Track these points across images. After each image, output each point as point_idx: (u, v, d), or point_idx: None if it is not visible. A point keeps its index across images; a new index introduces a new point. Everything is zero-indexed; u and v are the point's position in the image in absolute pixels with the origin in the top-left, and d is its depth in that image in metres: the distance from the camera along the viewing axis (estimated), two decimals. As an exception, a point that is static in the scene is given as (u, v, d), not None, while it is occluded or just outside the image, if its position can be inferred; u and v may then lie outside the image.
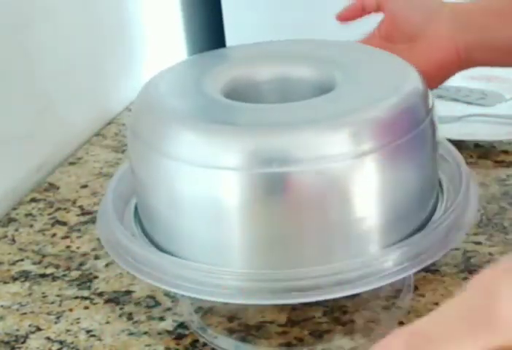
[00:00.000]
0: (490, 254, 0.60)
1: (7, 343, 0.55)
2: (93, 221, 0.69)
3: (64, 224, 0.71)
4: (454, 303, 0.32)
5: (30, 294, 0.61)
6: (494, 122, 0.82)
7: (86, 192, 0.76)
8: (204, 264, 0.46)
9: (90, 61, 0.92)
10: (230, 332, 0.54)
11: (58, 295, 0.60)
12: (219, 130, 0.46)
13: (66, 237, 0.69)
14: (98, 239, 0.62)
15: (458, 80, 0.88)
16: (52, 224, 0.71)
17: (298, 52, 0.57)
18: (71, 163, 0.84)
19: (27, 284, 0.62)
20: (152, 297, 0.59)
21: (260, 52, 0.58)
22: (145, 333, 0.55)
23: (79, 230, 0.69)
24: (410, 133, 0.47)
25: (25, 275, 0.63)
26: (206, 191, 0.46)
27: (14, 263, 0.65)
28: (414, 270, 0.46)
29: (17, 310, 0.59)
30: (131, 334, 0.55)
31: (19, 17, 0.78)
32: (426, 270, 0.56)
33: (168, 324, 0.56)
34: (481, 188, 0.68)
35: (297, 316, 0.55)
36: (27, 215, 0.73)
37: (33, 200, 0.76)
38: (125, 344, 0.54)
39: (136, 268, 0.48)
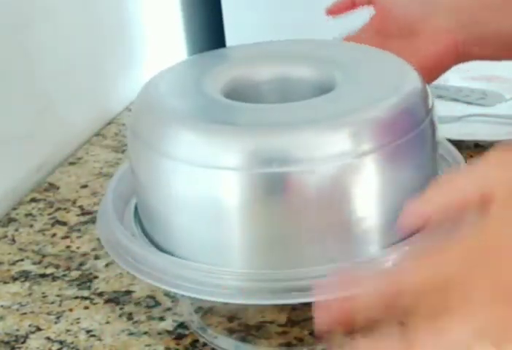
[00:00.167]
0: (490, 254, 0.60)
1: (7, 343, 0.55)
2: (93, 221, 0.69)
3: (64, 224, 0.71)
4: None
5: (30, 294, 0.61)
6: (494, 122, 0.82)
7: (86, 192, 0.76)
8: (204, 264, 0.46)
9: (90, 61, 0.92)
10: (230, 332, 0.55)
11: (58, 295, 0.60)
12: (219, 130, 0.46)
13: (66, 237, 0.69)
14: (98, 239, 0.62)
15: (458, 80, 0.88)
16: (52, 224, 0.71)
17: (298, 52, 0.57)
18: (71, 163, 0.84)
19: (27, 284, 0.62)
20: (152, 297, 0.59)
21: (260, 52, 0.58)
22: (145, 333, 0.55)
23: (79, 230, 0.69)
24: (410, 133, 0.47)
25: (25, 275, 0.63)
26: (205, 191, 0.46)
27: (14, 263, 0.65)
28: (414, 270, 0.46)
29: (17, 310, 0.59)
30: (131, 334, 0.55)
31: (19, 17, 0.78)
32: (426, 270, 0.56)
33: (168, 324, 0.56)
34: (481, 188, 0.68)
35: (297, 316, 0.55)
36: (27, 215, 0.73)
37: (33, 200, 0.76)
38: (125, 344, 0.54)
39: (136, 268, 0.48)
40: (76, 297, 0.60)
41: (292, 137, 0.45)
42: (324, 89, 0.50)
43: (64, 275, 0.63)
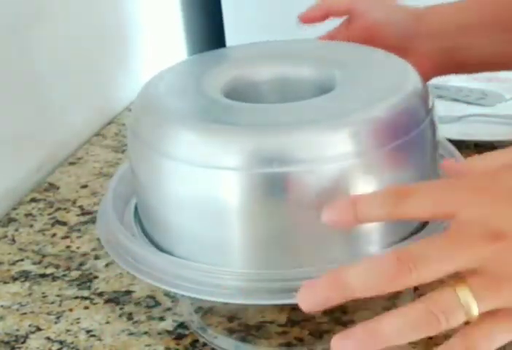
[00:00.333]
0: (490, 254, 0.60)
1: (7, 343, 0.55)
2: (93, 221, 0.69)
3: (64, 224, 0.71)
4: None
5: (30, 294, 0.61)
6: (494, 122, 0.82)
7: (86, 192, 0.76)
8: (204, 264, 0.46)
9: (89, 61, 0.92)
10: (230, 332, 0.55)
11: (58, 295, 0.60)
12: (219, 130, 0.46)
13: (66, 237, 0.69)
14: (98, 239, 0.62)
15: (458, 80, 0.88)
16: (52, 224, 0.71)
17: (298, 52, 0.57)
18: (71, 163, 0.84)
19: (27, 284, 0.62)
20: (152, 297, 0.59)
21: (260, 52, 0.58)
22: (145, 333, 0.55)
23: (79, 230, 0.69)
24: (410, 133, 0.47)
25: (25, 275, 0.63)
26: (205, 191, 0.46)
27: (14, 263, 0.65)
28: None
29: (17, 310, 0.59)
30: (131, 334, 0.55)
31: (19, 17, 0.78)
32: (426, 270, 0.56)
33: (168, 324, 0.56)
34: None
35: (297, 316, 0.55)
36: (27, 215, 0.73)
37: (33, 200, 0.76)
38: (125, 344, 0.54)
39: (136, 268, 0.48)
40: (76, 297, 0.60)
41: (292, 137, 0.45)
42: (324, 89, 0.50)
43: (64, 275, 0.63)
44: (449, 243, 0.38)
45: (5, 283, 0.63)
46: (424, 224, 0.50)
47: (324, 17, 0.69)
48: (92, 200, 0.75)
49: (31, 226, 0.71)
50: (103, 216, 0.53)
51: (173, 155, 0.46)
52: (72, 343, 0.55)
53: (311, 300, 0.38)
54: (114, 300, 0.59)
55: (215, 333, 0.54)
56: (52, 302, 0.59)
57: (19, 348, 0.55)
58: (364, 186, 0.46)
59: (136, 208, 0.54)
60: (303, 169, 0.44)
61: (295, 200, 0.45)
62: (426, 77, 0.57)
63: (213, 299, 0.46)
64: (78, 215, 0.72)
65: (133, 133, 0.50)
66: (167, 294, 0.59)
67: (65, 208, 0.74)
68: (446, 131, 0.70)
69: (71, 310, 0.58)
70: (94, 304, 0.59)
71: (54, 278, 0.63)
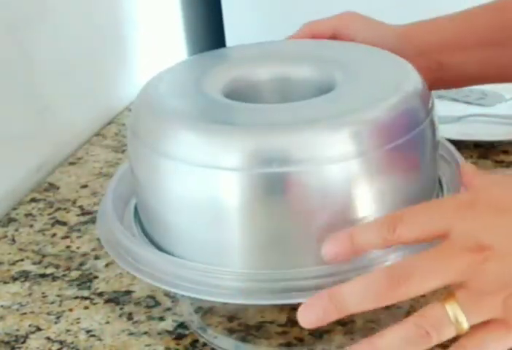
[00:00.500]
0: (490, 254, 0.60)
1: (7, 343, 0.55)
2: (93, 221, 0.69)
3: (64, 224, 0.71)
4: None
5: (30, 294, 0.61)
6: (494, 122, 0.82)
7: (86, 192, 0.77)
8: (204, 264, 0.46)
9: (89, 61, 0.92)
10: (230, 332, 0.55)
11: (58, 295, 0.60)
12: (219, 130, 0.46)
13: (66, 237, 0.69)
14: (98, 239, 0.62)
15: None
16: (52, 224, 0.71)
17: (298, 52, 0.57)
18: (71, 163, 0.84)
19: (27, 284, 0.62)
20: (152, 297, 0.59)
21: (260, 52, 0.58)
22: (145, 333, 0.55)
23: (79, 230, 0.69)
24: (410, 133, 0.47)
25: (25, 275, 0.63)
26: (205, 191, 0.46)
27: (14, 263, 0.65)
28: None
29: (17, 310, 0.59)
30: (131, 334, 0.55)
31: (19, 17, 0.78)
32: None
33: (168, 324, 0.56)
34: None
35: (297, 316, 0.55)
36: (27, 215, 0.73)
37: (33, 200, 0.76)
38: (125, 344, 0.54)
39: (136, 268, 0.48)
40: (76, 297, 0.60)
41: (292, 137, 0.45)
42: (324, 89, 0.50)
43: (64, 275, 0.63)
44: (438, 257, 0.39)
45: (5, 283, 0.63)
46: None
47: None
48: (92, 200, 0.75)
49: (31, 226, 0.71)
50: (103, 216, 0.53)
51: (173, 155, 0.46)
52: (72, 343, 0.55)
53: (310, 316, 0.40)
54: (114, 300, 0.59)
55: (215, 333, 0.54)
56: (52, 302, 0.60)
57: (19, 348, 0.55)
58: (364, 186, 0.46)
59: (135, 209, 0.54)
60: (302, 169, 0.44)
61: (294, 200, 0.45)
62: None
63: (213, 299, 0.46)
64: (78, 215, 0.72)
65: (133, 133, 0.50)
66: (167, 294, 0.59)
67: (65, 208, 0.74)
68: (446, 131, 0.70)
69: (71, 310, 0.58)
70: (94, 304, 0.59)
71: (54, 278, 0.63)
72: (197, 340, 0.54)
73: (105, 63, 0.97)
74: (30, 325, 0.57)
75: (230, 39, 1.20)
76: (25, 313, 0.59)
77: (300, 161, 0.44)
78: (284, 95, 0.54)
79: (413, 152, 0.48)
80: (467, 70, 0.64)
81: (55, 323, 0.57)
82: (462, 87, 0.72)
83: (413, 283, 0.39)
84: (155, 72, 0.55)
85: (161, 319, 0.56)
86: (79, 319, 0.57)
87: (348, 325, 0.54)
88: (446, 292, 0.40)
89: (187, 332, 0.55)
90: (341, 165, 0.44)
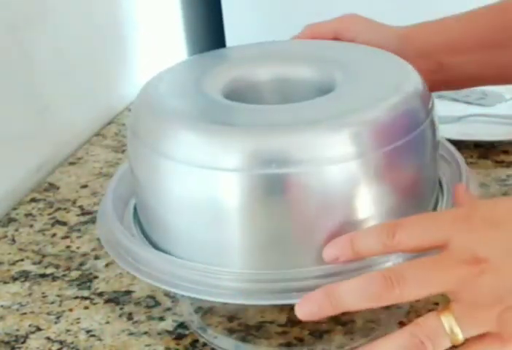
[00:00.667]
0: (490, 254, 0.60)
1: (7, 343, 0.55)
2: (93, 221, 0.69)
3: (64, 224, 0.71)
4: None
5: (30, 294, 0.61)
6: (494, 122, 0.82)
7: (86, 192, 0.77)
8: (203, 264, 0.46)
9: (89, 61, 0.92)
10: (230, 332, 0.55)
11: (58, 295, 0.60)
12: (218, 130, 0.46)
13: (66, 237, 0.69)
14: (98, 239, 0.62)
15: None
16: (52, 224, 0.71)
17: (298, 52, 0.57)
18: (71, 163, 0.84)
19: (27, 284, 0.62)
20: (152, 297, 0.59)
21: (260, 52, 0.58)
22: (145, 333, 0.55)
23: (79, 230, 0.69)
24: (410, 133, 0.47)
25: (25, 275, 0.63)
26: (205, 192, 0.46)
27: (14, 263, 0.65)
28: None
29: (17, 310, 0.59)
30: (131, 334, 0.55)
31: (19, 17, 0.78)
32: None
33: (168, 324, 0.56)
34: (481, 188, 0.68)
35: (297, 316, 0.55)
36: (27, 215, 0.73)
37: (33, 200, 0.76)
38: (125, 344, 0.54)
39: (136, 268, 0.48)
40: (76, 297, 0.60)
41: (291, 138, 0.45)
42: (324, 89, 0.50)
43: (64, 275, 0.63)
44: (434, 266, 0.40)
45: (5, 283, 0.63)
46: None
47: None
48: (92, 200, 0.75)
49: (31, 226, 0.71)
50: (103, 216, 0.53)
51: (173, 156, 0.46)
52: (72, 343, 0.55)
53: (306, 309, 0.41)
54: (114, 300, 0.59)
55: (215, 333, 0.54)
56: (52, 302, 0.60)
57: (19, 348, 0.55)
58: (364, 187, 0.46)
59: (135, 209, 0.54)
60: (302, 170, 0.44)
61: (294, 200, 0.45)
62: None
63: (213, 299, 0.46)
64: (78, 215, 0.72)
65: (132, 133, 0.50)
66: (167, 294, 0.59)
67: (65, 208, 0.74)
68: (446, 131, 0.70)
69: (71, 310, 0.58)
70: (94, 304, 0.59)
71: (54, 278, 0.63)
72: (197, 340, 0.54)
73: (105, 63, 0.97)
74: (30, 325, 0.57)
75: (230, 39, 1.20)
76: (25, 313, 0.59)
77: (300, 162, 0.44)
78: (284, 96, 0.54)
79: (413, 153, 0.48)
80: (467, 71, 0.64)
81: (55, 323, 0.57)
82: (462, 88, 0.72)
83: (408, 288, 0.40)
84: (155, 72, 0.55)
85: (161, 319, 0.56)
86: (79, 319, 0.57)
87: (348, 325, 0.54)
88: (443, 303, 0.40)
89: (187, 332, 0.55)
90: (341, 165, 0.44)
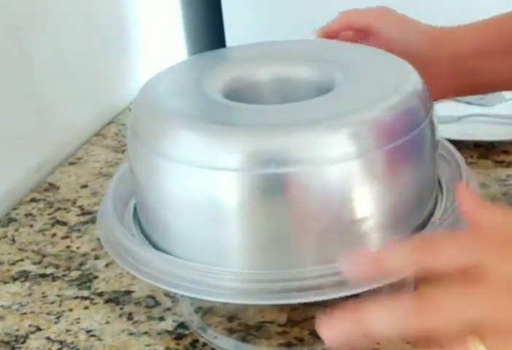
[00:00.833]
0: (490, 254, 0.60)
1: (7, 343, 0.55)
2: (93, 221, 0.69)
3: (64, 224, 0.71)
4: None
5: (30, 294, 0.61)
6: (494, 122, 0.82)
7: (86, 192, 0.76)
8: (203, 264, 0.46)
9: (90, 61, 0.92)
10: (230, 332, 0.55)
11: (58, 295, 0.60)
12: (218, 130, 0.46)
13: (66, 237, 0.69)
14: (98, 239, 0.62)
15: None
16: (52, 224, 0.71)
17: (298, 52, 0.57)
18: (71, 163, 0.84)
19: (27, 284, 0.62)
20: (152, 297, 0.59)
21: (260, 52, 0.58)
22: (145, 333, 0.55)
23: (79, 230, 0.69)
24: (409, 133, 0.47)
25: (25, 275, 0.63)
26: (204, 192, 0.46)
27: (14, 263, 0.65)
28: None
29: (17, 310, 0.59)
30: (131, 334, 0.55)
31: (19, 17, 0.78)
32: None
33: (168, 324, 0.56)
34: (481, 188, 0.68)
35: (297, 316, 0.55)
36: (27, 215, 0.73)
37: (33, 200, 0.76)
38: (125, 344, 0.54)
39: (135, 268, 0.48)
40: (76, 297, 0.60)
41: (291, 138, 0.45)
42: (324, 89, 0.50)
43: (64, 275, 0.63)
44: (472, 292, 0.38)
45: (5, 283, 0.63)
46: (423, 225, 0.50)
47: (340, 32, 0.68)
48: (92, 200, 0.75)
49: (31, 226, 0.71)
50: (103, 216, 0.53)
51: (173, 156, 0.46)
52: (72, 343, 0.55)
53: (333, 333, 0.38)
54: (114, 300, 0.59)
55: (215, 333, 0.54)
56: (52, 302, 0.60)
57: (19, 348, 0.55)
58: (363, 186, 0.46)
59: (135, 209, 0.54)
60: (302, 170, 0.44)
61: (294, 200, 0.45)
62: (436, 98, 0.57)
63: (213, 299, 0.46)
64: (78, 215, 0.72)
65: (132, 133, 0.50)
66: (167, 294, 0.59)
67: (65, 208, 0.74)
68: (446, 131, 0.70)
69: (71, 310, 0.58)
70: (94, 304, 0.59)
71: (54, 278, 0.63)
72: (197, 340, 0.54)
73: (105, 63, 0.97)
74: (30, 325, 0.57)
75: (230, 39, 1.20)
76: (25, 313, 0.59)
77: (300, 162, 0.44)
78: (283, 96, 0.54)
79: (412, 152, 0.48)
80: (497, 76, 0.64)
81: (55, 323, 0.57)
82: (489, 92, 0.72)
83: (444, 318, 0.37)
84: (155, 72, 0.55)
85: (161, 319, 0.56)
86: (79, 319, 0.57)
87: (348, 325, 0.54)
88: (473, 330, 0.38)
89: (187, 332, 0.55)
90: (341, 165, 0.44)
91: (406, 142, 0.46)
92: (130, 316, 0.57)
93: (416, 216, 0.50)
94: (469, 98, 0.88)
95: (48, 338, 0.56)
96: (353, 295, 0.46)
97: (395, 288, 0.56)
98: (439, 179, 0.54)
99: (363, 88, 0.50)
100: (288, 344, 0.53)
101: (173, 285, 0.46)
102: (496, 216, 0.42)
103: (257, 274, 0.46)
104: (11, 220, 0.72)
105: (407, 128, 0.47)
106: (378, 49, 0.56)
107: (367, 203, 0.46)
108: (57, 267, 0.64)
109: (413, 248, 0.39)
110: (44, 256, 0.66)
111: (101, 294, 0.60)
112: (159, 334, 0.55)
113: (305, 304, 0.54)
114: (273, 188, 0.45)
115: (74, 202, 0.75)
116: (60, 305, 0.59)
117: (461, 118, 0.83)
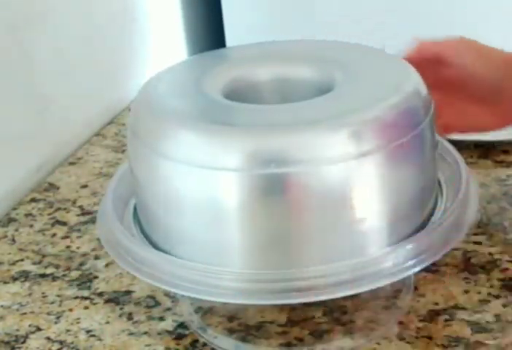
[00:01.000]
0: (490, 254, 0.60)
1: (7, 343, 0.55)
2: (93, 221, 0.69)
3: (64, 224, 0.71)
4: None
5: (30, 294, 0.61)
6: (494, 122, 0.82)
7: (86, 192, 0.77)
8: (204, 264, 0.46)
9: (90, 61, 0.92)
10: (230, 332, 0.55)
11: (58, 295, 0.60)
12: (218, 130, 0.46)
13: (66, 237, 0.69)
14: (98, 239, 0.62)
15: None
16: (52, 224, 0.71)
17: (298, 52, 0.57)
18: (71, 163, 0.84)
19: (27, 284, 0.62)
20: (152, 297, 0.59)
21: (260, 52, 0.58)
22: (145, 333, 0.55)
23: (79, 230, 0.69)
24: (409, 133, 0.47)
25: (25, 275, 0.63)
26: (204, 192, 0.46)
27: (14, 263, 0.65)
28: (414, 270, 0.46)
29: (17, 310, 0.59)
30: (131, 334, 0.55)
31: (19, 17, 0.78)
32: (426, 270, 0.56)
33: (168, 324, 0.56)
34: (481, 188, 0.68)
35: (297, 316, 0.55)
36: (27, 215, 0.73)
37: (33, 200, 0.76)
38: (125, 344, 0.54)
39: (136, 268, 0.48)
40: (76, 297, 0.60)
41: (291, 138, 0.45)
42: (324, 89, 0.50)
43: (64, 275, 0.63)
44: None
45: (5, 283, 0.63)
46: (423, 225, 0.50)
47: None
48: (92, 200, 0.75)
49: (31, 226, 0.71)
50: (103, 216, 0.53)
51: (172, 156, 0.46)
52: (72, 343, 0.55)
53: None
54: (114, 300, 0.59)
55: (215, 333, 0.54)
56: (52, 302, 0.60)
57: (19, 348, 0.55)
58: (363, 186, 0.46)
59: (135, 209, 0.54)
60: (302, 170, 0.44)
61: (294, 200, 0.45)
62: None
63: (213, 299, 0.46)
64: (78, 215, 0.72)
65: (132, 134, 0.50)
66: (167, 294, 0.59)
67: (65, 208, 0.74)
68: (446, 131, 0.70)
69: (71, 310, 0.58)
70: (94, 304, 0.59)
71: (54, 278, 0.63)
72: (197, 340, 0.54)
73: (105, 63, 0.97)
74: (30, 325, 0.57)
75: (230, 39, 1.20)
76: (25, 313, 0.59)
77: (299, 162, 0.44)
78: (283, 96, 0.54)
79: (412, 152, 0.48)
80: None
81: (55, 323, 0.57)
82: None
83: None
84: (155, 72, 0.55)
85: (161, 319, 0.56)
86: (79, 319, 0.57)
87: (348, 325, 0.54)
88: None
89: (187, 332, 0.55)
90: (341, 165, 0.44)
91: (406, 142, 0.46)
92: (130, 316, 0.57)
93: (416, 216, 0.50)
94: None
95: (48, 338, 0.56)
96: (353, 295, 0.46)
97: (395, 288, 0.56)
98: (439, 180, 0.54)
99: (363, 88, 0.50)
100: (288, 344, 0.53)
101: (173, 285, 0.46)
102: None
103: (257, 274, 0.46)
104: (11, 220, 0.72)
105: (407, 128, 0.47)
106: (378, 49, 0.56)
107: (367, 203, 0.46)
108: (57, 267, 0.64)
109: None
110: (44, 256, 0.66)
111: (101, 294, 0.60)
112: (159, 334, 0.55)
113: (305, 304, 0.54)
114: (273, 188, 0.45)
115: (74, 202, 0.75)
116: (60, 305, 0.59)
117: (461, 118, 0.83)
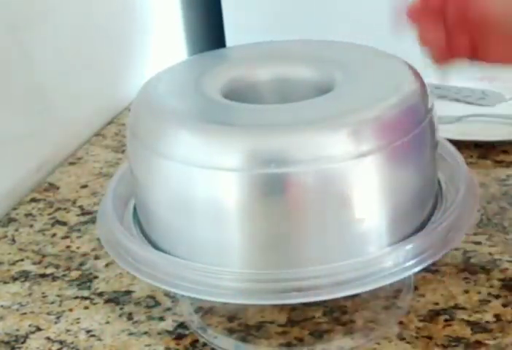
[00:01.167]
0: (490, 254, 0.60)
1: (7, 343, 0.55)
2: (93, 221, 0.69)
3: (64, 224, 0.71)
4: None
5: (30, 294, 0.61)
6: (494, 122, 0.82)
7: (86, 192, 0.77)
8: (204, 264, 0.46)
9: (90, 61, 0.92)
10: (230, 332, 0.55)
11: (58, 295, 0.60)
12: (217, 130, 0.46)
13: (66, 237, 0.69)
14: (98, 239, 0.62)
15: (460, 80, 0.88)
16: (52, 224, 0.71)
17: (298, 52, 0.57)
18: (71, 163, 0.84)
19: (27, 284, 0.62)
20: (152, 297, 0.59)
21: (260, 52, 0.58)
22: (145, 333, 0.55)
23: (79, 230, 0.69)
24: (410, 133, 0.47)
25: (25, 275, 0.63)
26: (204, 192, 0.46)
27: (14, 263, 0.65)
28: (414, 270, 0.46)
29: (17, 310, 0.59)
30: (131, 334, 0.55)
31: (19, 17, 0.78)
32: (426, 270, 0.56)
33: (168, 324, 0.56)
34: (481, 188, 0.68)
35: (297, 316, 0.55)
36: (27, 215, 0.73)
37: (33, 200, 0.76)
38: (125, 344, 0.54)
39: (136, 268, 0.48)
40: (76, 297, 0.60)
41: (291, 138, 0.45)
42: (324, 89, 0.50)
43: (64, 275, 0.63)
44: None
45: (5, 283, 0.63)
46: (423, 225, 0.50)
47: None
48: (92, 200, 0.75)
49: (31, 226, 0.71)
50: (103, 216, 0.53)
51: (172, 156, 0.46)
52: (72, 343, 0.55)
53: None
54: (114, 300, 0.59)
55: (215, 333, 0.54)
56: (52, 302, 0.60)
57: (19, 348, 0.55)
58: (363, 186, 0.46)
59: (135, 209, 0.54)
60: (302, 170, 0.44)
61: (294, 200, 0.45)
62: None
63: (213, 299, 0.46)
64: (78, 215, 0.72)
65: (132, 134, 0.50)
66: (167, 294, 0.59)
67: (65, 208, 0.74)
68: (446, 131, 0.70)
69: (71, 310, 0.58)
70: (94, 304, 0.59)
71: (54, 278, 0.63)
72: (197, 340, 0.54)
73: (105, 63, 0.97)
74: (30, 325, 0.57)
75: (230, 39, 1.20)
76: (25, 313, 0.59)
77: (299, 161, 0.44)
78: (283, 96, 0.54)
79: (412, 152, 0.48)
80: None
81: (55, 323, 0.57)
82: None
83: None
84: (155, 72, 0.55)
85: (161, 319, 0.56)
86: (79, 319, 0.57)
87: (348, 325, 0.54)
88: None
89: (187, 332, 0.55)
90: (341, 165, 0.44)
91: (406, 142, 0.46)
92: (130, 316, 0.57)
93: (416, 216, 0.50)
94: (469, 98, 0.88)
95: (48, 338, 0.56)
96: (353, 295, 0.46)
97: (395, 288, 0.56)
98: (439, 179, 0.54)
99: (363, 88, 0.50)
100: (288, 344, 0.53)
101: (173, 285, 0.46)
102: None
103: (257, 274, 0.46)
104: (11, 220, 0.72)
105: (407, 128, 0.47)
106: (379, 49, 0.56)
107: (366, 203, 0.46)
108: (57, 267, 0.64)
109: None
110: (44, 256, 0.66)
111: (101, 294, 0.60)
112: (159, 334, 0.55)
113: (305, 304, 0.54)
114: (273, 188, 0.45)
115: (74, 202, 0.75)
116: (60, 305, 0.59)
117: (461, 118, 0.83)
